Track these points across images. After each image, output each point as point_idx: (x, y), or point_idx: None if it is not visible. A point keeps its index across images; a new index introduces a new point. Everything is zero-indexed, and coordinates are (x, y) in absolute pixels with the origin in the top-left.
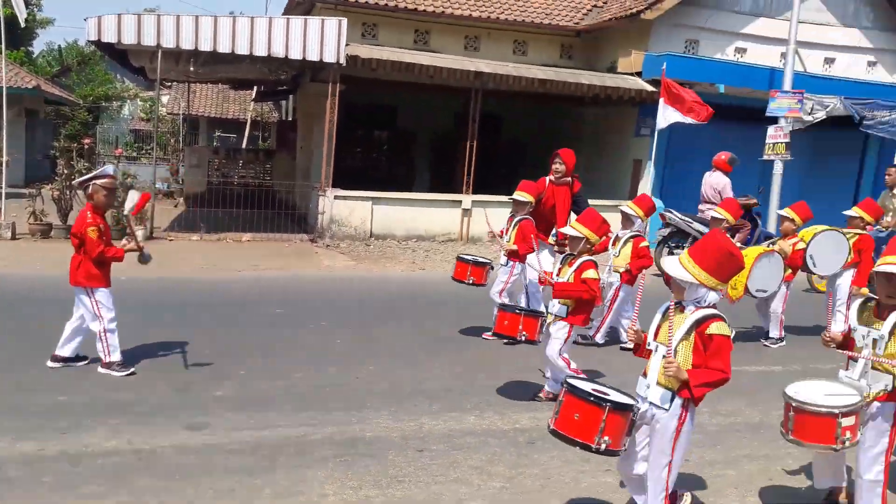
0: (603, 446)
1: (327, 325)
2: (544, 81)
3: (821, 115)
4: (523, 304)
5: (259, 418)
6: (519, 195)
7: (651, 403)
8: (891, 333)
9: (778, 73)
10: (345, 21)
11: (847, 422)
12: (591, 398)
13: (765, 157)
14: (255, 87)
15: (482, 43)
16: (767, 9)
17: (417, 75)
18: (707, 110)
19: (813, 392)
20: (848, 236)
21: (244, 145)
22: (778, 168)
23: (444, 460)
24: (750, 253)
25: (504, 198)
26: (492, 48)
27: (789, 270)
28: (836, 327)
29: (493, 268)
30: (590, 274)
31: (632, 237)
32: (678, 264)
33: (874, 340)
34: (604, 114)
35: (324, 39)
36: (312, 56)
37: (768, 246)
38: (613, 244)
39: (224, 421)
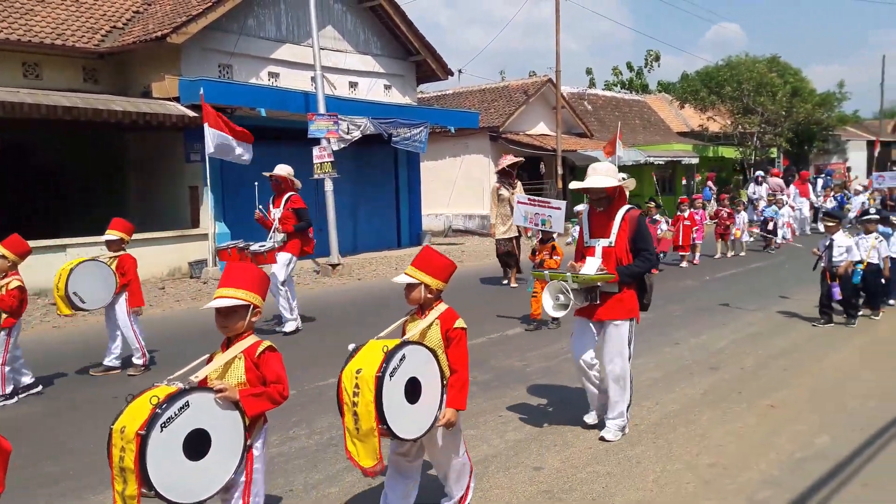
0: None
1: None
2: (70, 109)
3: (356, 134)
4: None
5: None
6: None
7: None
8: None
9: (312, 97)
10: None
11: None
12: None
13: (315, 177)
14: None
15: None
16: (291, 36)
17: None
18: (246, 134)
19: None
20: (107, 261)
21: None
22: (329, 186)
23: None
24: None
25: (55, 241)
26: None
27: (6, 315)
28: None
29: None
30: None
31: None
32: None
33: None
34: (149, 139)
35: None
36: None
37: None
38: None
39: None
